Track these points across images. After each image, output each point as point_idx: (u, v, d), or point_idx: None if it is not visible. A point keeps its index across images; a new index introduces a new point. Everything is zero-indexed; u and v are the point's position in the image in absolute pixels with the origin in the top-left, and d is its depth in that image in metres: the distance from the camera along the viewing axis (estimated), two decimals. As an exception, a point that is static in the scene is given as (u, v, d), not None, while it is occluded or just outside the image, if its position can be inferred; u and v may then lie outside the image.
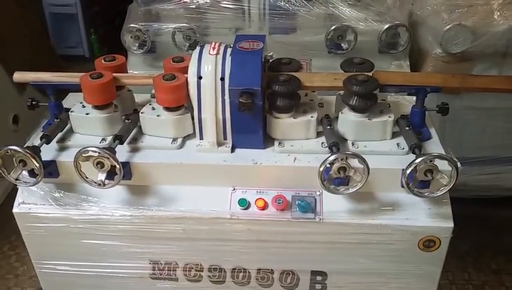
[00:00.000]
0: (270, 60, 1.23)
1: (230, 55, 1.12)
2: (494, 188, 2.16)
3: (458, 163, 1.01)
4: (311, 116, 1.16)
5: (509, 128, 2.04)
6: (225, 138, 1.16)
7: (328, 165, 1.02)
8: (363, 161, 1.01)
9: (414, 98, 1.19)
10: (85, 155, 1.05)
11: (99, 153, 1.04)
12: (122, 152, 1.14)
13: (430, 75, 1.12)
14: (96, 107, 1.18)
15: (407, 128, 1.16)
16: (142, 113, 1.19)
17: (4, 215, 1.31)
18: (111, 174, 1.07)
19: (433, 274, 1.18)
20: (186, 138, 1.20)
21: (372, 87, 1.12)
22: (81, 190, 1.16)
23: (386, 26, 1.90)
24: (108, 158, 1.05)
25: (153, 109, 1.19)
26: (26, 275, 2.06)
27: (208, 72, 1.11)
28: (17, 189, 1.18)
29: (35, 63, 2.74)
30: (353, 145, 1.15)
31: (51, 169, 1.14)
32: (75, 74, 1.20)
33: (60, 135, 1.20)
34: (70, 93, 1.36)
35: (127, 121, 1.19)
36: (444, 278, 1.92)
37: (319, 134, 1.18)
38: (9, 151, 1.06)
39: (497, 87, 1.18)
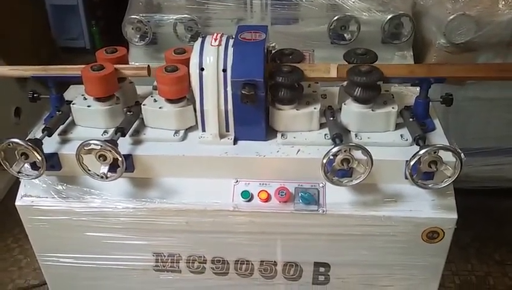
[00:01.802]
0: (273, 51, 1.22)
1: (232, 46, 1.11)
2: (497, 179, 2.16)
3: (462, 154, 1.01)
4: (314, 108, 1.15)
5: (513, 119, 2.03)
6: (227, 130, 1.15)
7: (331, 157, 1.02)
8: (366, 152, 1.01)
9: (418, 88, 1.19)
10: (87, 148, 1.05)
11: (101, 146, 1.03)
12: (125, 145, 1.14)
13: (396, 66, 1.11)
14: (98, 100, 1.17)
15: (410, 119, 1.15)
16: (144, 105, 1.18)
17: (7, 208, 1.31)
18: (113, 167, 1.07)
19: (436, 265, 1.18)
20: (189, 130, 1.19)
21: (376, 78, 1.11)
22: (83, 183, 1.16)
23: (389, 17, 1.88)
24: (110, 151, 1.04)
25: (155, 101, 1.19)
26: (29, 267, 2.07)
27: (210, 64, 1.10)
28: (20, 182, 1.18)
29: (36, 55, 2.75)
30: (356, 136, 1.14)
31: (53, 162, 1.14)
32: (31, 67, 1.20)
33: (61, 127, 1.19)
34: (71, 86, 1.35)
35: (129, 113, 1.19)
36: (447, 269, 1.92)
37: (322, 125, 1.17)
38: (11, 144, 1.06)
39: (463, 75, 1.16)
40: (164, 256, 1.23)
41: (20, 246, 2.16)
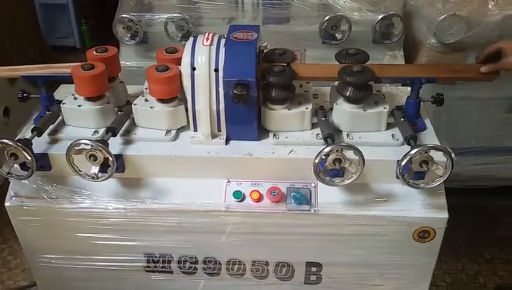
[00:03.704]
0: (264, 51, 1.22)
1: (224, 45, 1.11)
2: (487, 178, 2.17)
3: (453, 154, 1.01)
4: (306, 108, 1.15)
5: (503, 118, 2.04)
6: (219, 130, 1.15)
7: (323, 157, 1.02)
8: (358, 152, 1.01)
9: (409, 88, 1.19)
10: (77, 148, 1.04)
11: (91, 145, 1.03)
12: (115, 145, 1.13)
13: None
14: (89, 99, 1.17)
15: (402, 119, 1.15)
16: (135, 105, 1.18)
17: (-4, 208, 1.29)
18: (104, 167, 1.06)
19: (427, 265, 1.19)
20: (180, 129, 1.19)
21: (367, 78, 1.11)
22: (73, 183, 1.15)
23: (381, 17, 1.89)
24: (101, 151, 1.03)
25: (146, 100, 1.18)
26: (19, 268, 2.05)
27: (202, 63, 1.09)
28: (9, 183, 1.17)
29: (25, 53, 2.72)
30: (348, 136, 1.14)
31: (43, 162, 1.13)
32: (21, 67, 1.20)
33: (51, 127, 1.19)
34: (61, 85, 1.34)
35: (119, 113, 1.18)
36: (438, 268, 1.93)
37: (313, 125, 1.17)
38: (0, 144, 1.05)
39: (411, 75, 1.18)
40: (155, 257, 1.22)
41: (9, 247, 2.14)
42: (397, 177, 1.06)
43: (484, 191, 2.19)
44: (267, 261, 1.21)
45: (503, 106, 2.02)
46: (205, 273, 1.23)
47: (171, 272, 1.24)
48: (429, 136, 1.16)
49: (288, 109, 1.15)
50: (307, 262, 1.21)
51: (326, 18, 1.88)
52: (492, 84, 1.89)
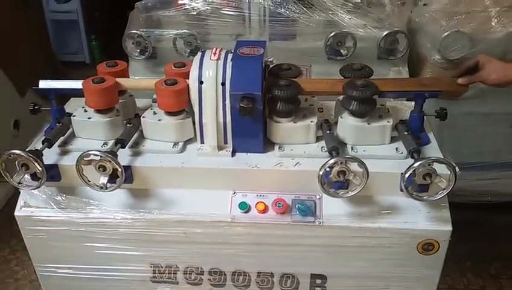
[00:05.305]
0: (271, 66, 1.24)
1: (231, 60, 1.14)
2: (492, 193, 2.17)
3: (456, 167, 1.02)
4: (311, 121, 1.17)
5: (508, 133, 2.05)
6: (226, 142, 1.17)
7: (328, 169, 1.04)
8: (362, 164, 1.02)
9: (413, 103, 1.21)
10: (87, 159, 1.06)
11: (101, 156, 1.05)
12: (124, 156, 1.15)
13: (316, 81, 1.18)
14: (98, 112, 1.19)
15: (405, 133, 1.17)
16: (143, 117, 1.20)
17: (5, 219, 1.32)
18: (113, 178, 1.08)
19: (432, 277, 1.19)
20: (187, 142, 1.21)
21: (371, 92, 1.13)
22: (82, 193, 1.17)
23: (385, 33, 1.91)
24: (110, 162, 1.06)
25: (155, 113, 1.20)
26: (26, 279, 2.06)
27: (209, 77, 1.12)
28: (18, 194, 1.19)
29: (36, 68, 2.77)
30: (352, 149, 1.16)
31: (53, 173, 1.15)
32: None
33: (61, 139, 1.21)
34: (72, 98, 1.37)
35: (128, 125, 1.21)
36: (443, 283, 1.92)
37: (318, 138, 1.19)
38: (11, 155, 1.08)
39: (391, 89, 1.20)
40: (162, 267, 1.23)
41: (17, 257, 2.15)
42: (401, 190, 1.07)
43: (489, 207, 2.19)
44: (272, 273, 1.22)
45: (508, 121, 2.03)
46: (211, 284, 1.24)
47: (177, 283, 1.25)
48: (433, 150, 1.18)
49: (294, 122, 1.17)
50: (311, 274, 1.21)
51: (332, 34, 1.91)
52: (498, 100, 1.92)
